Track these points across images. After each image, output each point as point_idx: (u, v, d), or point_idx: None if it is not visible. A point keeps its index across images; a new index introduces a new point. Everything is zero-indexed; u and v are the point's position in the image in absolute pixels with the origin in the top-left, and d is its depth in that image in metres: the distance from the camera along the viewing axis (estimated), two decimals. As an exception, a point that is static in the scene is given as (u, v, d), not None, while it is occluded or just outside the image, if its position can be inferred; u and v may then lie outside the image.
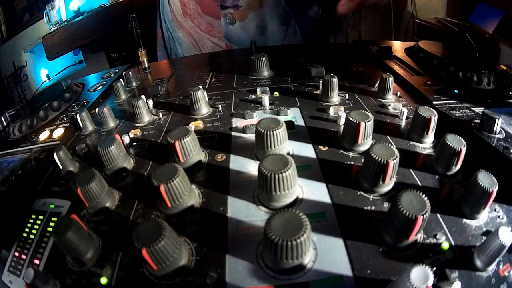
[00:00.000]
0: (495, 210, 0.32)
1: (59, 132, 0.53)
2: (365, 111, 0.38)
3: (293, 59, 0.71)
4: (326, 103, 0.50)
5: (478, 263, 0.27)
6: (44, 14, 1.88)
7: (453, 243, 0.29)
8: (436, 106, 0.48)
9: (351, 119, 0.37)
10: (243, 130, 0.44)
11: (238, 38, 1.04)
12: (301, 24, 1.01)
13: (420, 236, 0.29)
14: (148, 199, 0.36)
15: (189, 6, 1.07)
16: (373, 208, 0.32)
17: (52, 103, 0.62)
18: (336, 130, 0.43)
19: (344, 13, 0.74)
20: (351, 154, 0.38)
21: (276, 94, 0.54)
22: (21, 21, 1.95)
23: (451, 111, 0.47)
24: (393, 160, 0.30)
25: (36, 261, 0.33)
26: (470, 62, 0.65)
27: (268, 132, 0.35)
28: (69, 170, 0.43)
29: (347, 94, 0.52)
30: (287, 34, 1.03)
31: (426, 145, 0.40)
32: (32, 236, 0.36)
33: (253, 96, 0.55)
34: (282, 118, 0.41)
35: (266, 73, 0.63)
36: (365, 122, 0.36)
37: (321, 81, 0.52)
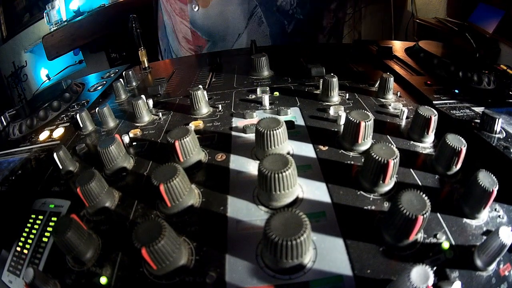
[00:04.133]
0: (495, 209, 0.32)
1: (59, 132, 0.53)
2: (365, 111, 0.38)
3: (294, 59, 0.71)
4: (326, 103, 0.50)
5: (479, 262, 0.27)
6: (44, 14, 1.88)
7: (453, 242, 0.28)
8: (436, 106, 0.48)
9: (351, 118, 0.37)
10: (243, 129, 0.44)
11: (201, 24, 1.04)
12: (268, 13, 0.99)
13: (420, 236, 0.29)
14: (148, 198, 0.35)
15: None
16: (373, 207, 0.32)
17: (52, 103, 0.62)
18: (336, 129, 0.43)
19: None
20: (351, 153, 0.38)
21: (276, 93, 0.54)
22: (21, 21, 1.95)
23: (451, 111, 0.47)
24: (393, 159, 0.30)
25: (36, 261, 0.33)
26: (470, 62, 0.65)
27: (268, 132, 0.35)
28: (69, 170, 0.43)
29: (347, 94, 0.52)
30: (250, 23, 1.00)
31: (426, 145, 0.40)
32: (32, 236, 0.36)
33: (253, 96, 0.54)
34: (282, 118, 0.41)
35: (266, 72, 0.63)
36: (365, 122, 0.36)
37: (321, 81, 0.52)
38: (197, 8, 1.00)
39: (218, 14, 1.00)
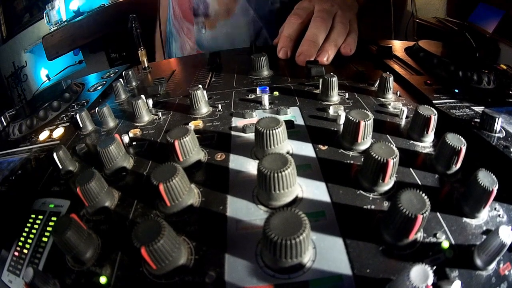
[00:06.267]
0: (495, 209, 0.32)
1: (58, 132, 0.53)
2: (365, 110, 0.38)
3: (293, 59, 0.71)
4: (326, 102, 0.50)
5: (478, 262, 0.27)
6: (44, 14, 1.88)
7: (453, 242, 0.28)
8: (436, 105, 0.48)
9: (351, 118, 0.37)
10: (243, 129, 0.44)
11: (208, 46, 1.03)
12: (273, 34, 0.99)
13: (420, 235, 0.29)
14: (147, 198, 0.35)
15: (176, 10, 1.08)
16: (372, 207, 0.32)
17: (52, 103, 0.62)
18: (335, 129, 0.43)
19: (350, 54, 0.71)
20: (350, 153, 0.38)
21: (276, 93, 0.54)
22: (21, 21, 1.96)
23: (451, 110, 0.47)
24: (393, 159, 0.30)
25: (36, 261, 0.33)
26: (470, 62, 0.65)
27: (268, 132, 0.35)
28: (69, 169, 0.43)
29: (347, 93, 0.52)
30: (256, 43, 1.01)
31: (426, 144, 0.40)
32: (31, 236, 0.36)
33: (253, 96, 0.54)
34: (281, 118, 0.41)
35: (266, 72, 0.63)
36: (365, 121, 0.36)
37: (320, 80, 0.52)
38: (203, 30, 1.00)
39: (224, 35, 1.00)
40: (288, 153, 0.39)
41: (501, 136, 0.40)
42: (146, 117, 0.51)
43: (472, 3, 1.37)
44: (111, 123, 0.52)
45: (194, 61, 0.88)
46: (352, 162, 0.37)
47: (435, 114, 0.39)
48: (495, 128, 0.40)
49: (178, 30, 1.12)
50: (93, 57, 1.97)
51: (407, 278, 0.22)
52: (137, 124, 0.50)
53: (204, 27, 1.00)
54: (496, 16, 1.25)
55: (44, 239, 0.35)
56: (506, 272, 0.28)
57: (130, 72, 0.69)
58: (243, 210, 0.32)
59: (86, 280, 0.29)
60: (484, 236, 0.29)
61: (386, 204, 0.32)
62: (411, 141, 0.41)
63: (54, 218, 0.37)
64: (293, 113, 0.47)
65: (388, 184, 0.33)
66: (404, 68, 0.63)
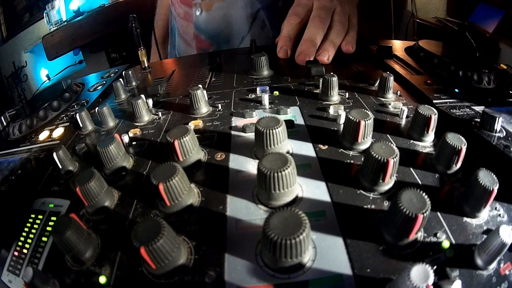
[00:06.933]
0: (495, 208, 0.32)
1: (58, 131, 0.53)
2: (365, 110, 0.38)
3: (293, 58, 0.71)
4: (326, 102, 0.50)
5: (479, 261, 0.27)
6: (44, 14, 1.88)
7: (453, 241, 0.28)
8: (436, 105, 0.48)
9: (351, 118, 0.37)
10: (243, 129, 0.44)
11: (205, 28, 1.03)
12: (271, 16, 0.97)
13: (420, 235, 0.29)
14: (147, 198, 0.35)
15: None
16: (373, 206, 0.31)
17: (52, 103, 0.62)
18: (336, 129, 0.43)
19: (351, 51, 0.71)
20: (351, 153, 0.38)
21: (276, 93, 0.54)
22: (21, 21, 1.96)
23: (451, 110, 0.46)
24: (393, 158, 0.30)
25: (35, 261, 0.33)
26: (470, 61, 0.65)
27: (268, 131, 0.35)
28: (69, 169, 0.42)
29: (347, 93, 0.52)
30: (253, 26, 0.99)
31: (426, 144, 0.40)
32: (31, 236, 0.36)
33: (253, 95, 0.54)
34: (281, 117, 0.41)
35: (266, 72, 0.63)
36: (365, 121, 0.36)
37: (321, 80, 0.52)
38: (199, 12, 1.00)
39: (221, 17, 1.00)
40: (288, 152, 0.39)
41: (502, 136, 0.40)
42: (146, 117, 0.51)
43: (472, 3, 1.38)
44: (111, 123, 0.52)
45: (194, 61, 0.88)
46: (352, 161, 0.37)
47: (435, 114, 0.39)
48: (495, 127, 0.40)
49: (175, 16, 1.12)
50: (93, 57, 1.98)
51: (407, 277, 0.22)
52: (137, 124, 0.50)
53: (201, 9, 1.00)
54: (496, 16, 1.25)
55: (44, 239, 0.35)
56: (507, 272, 0.28)
57: (130, 72, 0.69)
58: (243, 209, 0.32)
59: (86, 280, 0.29)
60: (485, 236, 0.29)
61: (386, 204, 0.32)
62: (412, 141, 0.41)
63: (53, 218, 0.37)
64: (293, 113, 0.47)
65: (388, 183, 0.33)
66: (404, 68, 0.63)
